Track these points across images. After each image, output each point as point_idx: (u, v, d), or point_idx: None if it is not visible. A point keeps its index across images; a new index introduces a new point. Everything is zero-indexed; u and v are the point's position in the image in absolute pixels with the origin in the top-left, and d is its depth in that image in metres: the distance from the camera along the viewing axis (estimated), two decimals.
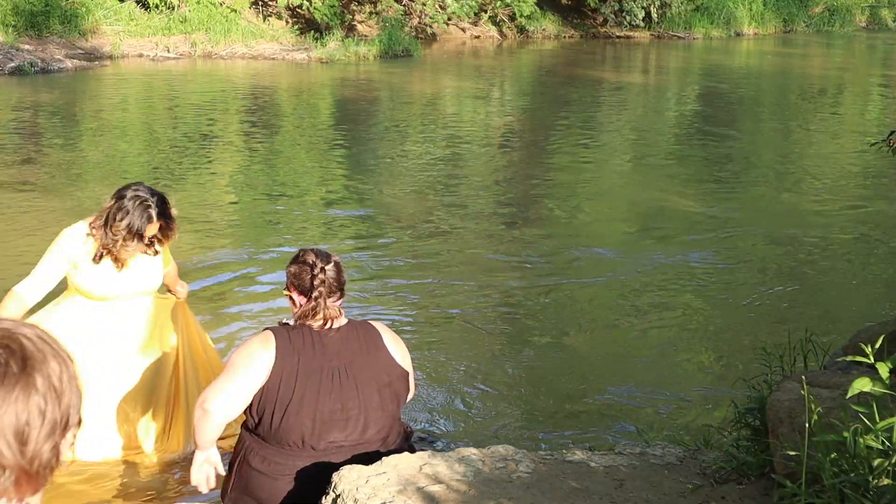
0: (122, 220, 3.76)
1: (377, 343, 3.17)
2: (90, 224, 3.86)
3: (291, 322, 3.20)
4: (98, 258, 3.85)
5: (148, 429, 4.12)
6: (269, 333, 3.10)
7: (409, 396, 3.32)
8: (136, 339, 4.04)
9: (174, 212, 3.94)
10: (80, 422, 1.20)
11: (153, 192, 3.85)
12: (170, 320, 4.17)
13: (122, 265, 3.89)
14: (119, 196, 3.81)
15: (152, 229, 3.83)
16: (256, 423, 3.09)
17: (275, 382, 3.02)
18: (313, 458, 3.05)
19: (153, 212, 3.80)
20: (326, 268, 3.11)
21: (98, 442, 4.01)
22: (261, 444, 3.09)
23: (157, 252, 3.98)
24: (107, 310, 3.96)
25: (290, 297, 3.17)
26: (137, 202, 3.78)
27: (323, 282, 3.09)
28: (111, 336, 3.98)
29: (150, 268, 4.01)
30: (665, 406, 5.03)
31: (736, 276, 7.14)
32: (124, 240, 3.79)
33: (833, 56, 25.80)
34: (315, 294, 3.08)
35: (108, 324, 3.97)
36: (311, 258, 3.14)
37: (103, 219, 3.82)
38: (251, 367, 3.03)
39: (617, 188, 10.06)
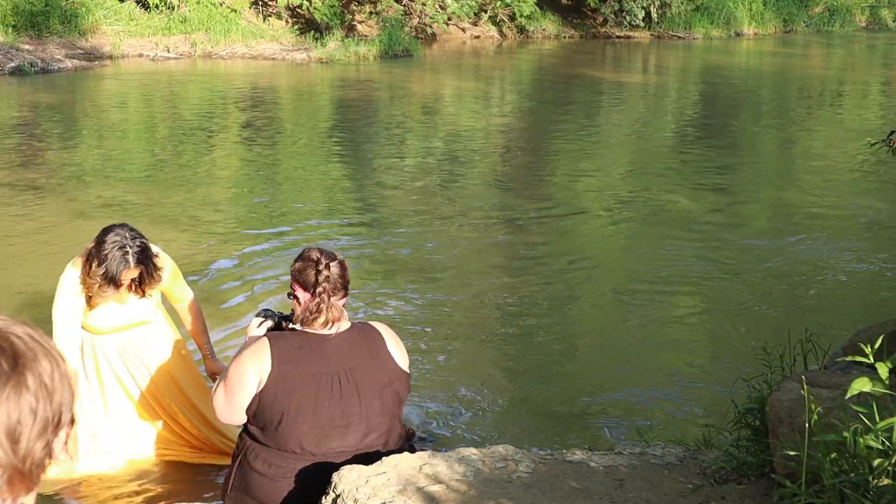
0: (98, 265, 3.69)
1: (379, 346, 3.15)
2: (83, 270, 3.81)
3: (294, 325, 3.18)
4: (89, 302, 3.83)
5: (150, 434, 4.18)
6: (265, 341, 3.08)
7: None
8: (141, 361, 4.06)
9: (157, 261, 3.85)
10: (72, 420, 1.20)
11: (135, 237, 3.75)
12: (169, 344, 4.17)
13: (92, 308, 3.85)
14: (100, 241, 3.72)
15: (129, 275, 3.75)
16: (256, 428, 3.08)
17: (271, 390, 3.00)
18: (314, 461, 3.04)
19: (130, 259, 3.70)
20: (331, 265, 3.10)
21: (106, 451, 4.06)
22: (261, 447, 3.08)
23: (142, 294, 3.89)
24: (112, 341, 3.98)
25: (295, 296, 3.15)
26: (116, 247, 3.68)
27: (327, 278, 3.07)
28: (117, 363, 4.02)
29: (140, 301, 3.96)
30: (665, 406, 5.02)
31: (736, 276, 7.13)
32: (100, 287, 3.74)
33: (833, 56, 25.80)
34: (319, 290, 3.06)
35: (114, 353, 4.00)
36: (315, 255, 3.13)
37: (85, 258, 3.76)
38: (242, 381, 3.03)
39: (617, 188, 10.05)
